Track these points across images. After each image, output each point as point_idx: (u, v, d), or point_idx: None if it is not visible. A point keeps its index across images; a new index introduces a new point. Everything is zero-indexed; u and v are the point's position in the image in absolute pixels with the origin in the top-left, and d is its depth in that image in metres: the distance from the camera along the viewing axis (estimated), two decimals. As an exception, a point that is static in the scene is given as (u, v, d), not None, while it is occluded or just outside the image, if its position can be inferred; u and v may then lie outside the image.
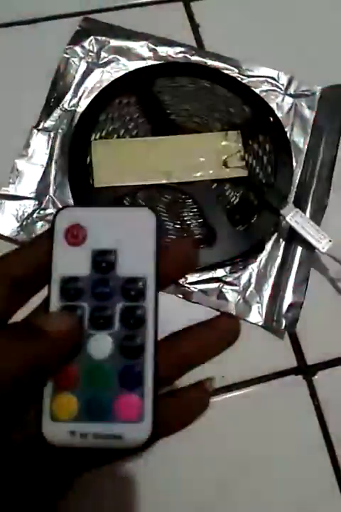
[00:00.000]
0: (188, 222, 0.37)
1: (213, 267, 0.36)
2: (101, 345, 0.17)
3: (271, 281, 0.36)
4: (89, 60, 0.43)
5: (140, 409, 0.17)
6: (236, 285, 0.36)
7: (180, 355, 0.18)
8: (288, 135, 0.41)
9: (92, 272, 0.18)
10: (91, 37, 0.43)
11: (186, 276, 0.35)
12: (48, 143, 0.39)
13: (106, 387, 0.17)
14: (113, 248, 0.18)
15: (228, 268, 0.36)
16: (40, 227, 0.36)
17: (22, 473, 0.17)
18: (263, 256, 0.37)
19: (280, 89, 0.43)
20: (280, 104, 0.42)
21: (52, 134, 0.40)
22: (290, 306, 0.35)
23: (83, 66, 0.42)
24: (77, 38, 0.43)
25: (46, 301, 0.18)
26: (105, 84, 0.41)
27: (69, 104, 0.41)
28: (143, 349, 0.17)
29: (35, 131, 0.40)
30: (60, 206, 0.37)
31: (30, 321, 0.18)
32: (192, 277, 0.36)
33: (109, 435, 0.17)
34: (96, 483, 0.30)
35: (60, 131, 0.40)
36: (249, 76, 0.43)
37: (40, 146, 0.39)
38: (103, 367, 0.17)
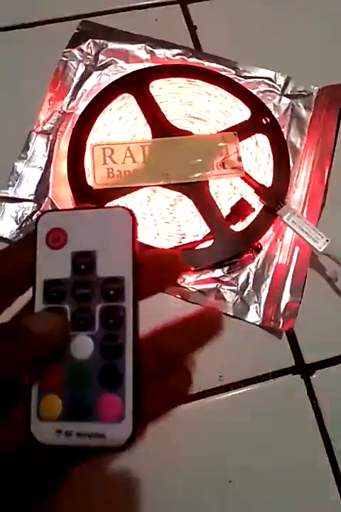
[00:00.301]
0: (186, 223, 0.37)
1: (211, 267, 0.36)
2: (82, 346, 0.18)
3: (268, 281, 0.36)
4: (87, 62, 0.43)
5: (120, 410, 0.17)
6: (234, 285, 0.36)
7: (164, 349, 0.19)
8: (284, 135, 0.41)
9: (73, 274, 0.18)
10: (90, 40, 0.44)
11: (183, 277, 0.36)
12: (47, 145, 0.40)
13: (88, 387, 0.17)
14: (92, 249, 0.18)
15: (226, 268, 0.37)
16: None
17: (11, 473, 0.18)
18: (260, 256, 0.37)
19: (277, 89, 0.43)
20: (277, 105, 0.42)
21: (50, 137, 0.40)
22: (288, 305, 0.35)
23: (81, 69, 0.43)
24: (76, 41, 0.44)
25: (31, 303, 0.19)
26: (103, 86, 0.41)
27: (67, 106, 0.41)
28: (123, 349, 0.18)
29: (34, 133, 0.40)
30: (58, 208, 0.37)
31: (14, 320, 0.19)
32: (190, 277, 0.36)
33: (91, 434, 0.17)
34: (92, 480, 0.30)
35: (58, 133, 0.40)
36: (245, 77, 0.43)
37: (39, 148, 0.40)
38: (85, 367, 0.18)
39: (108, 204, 0.37)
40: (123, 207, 0.19)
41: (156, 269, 0.19)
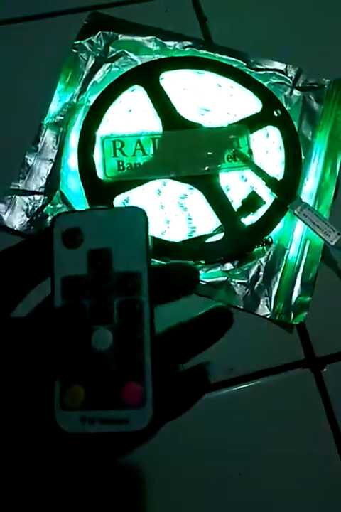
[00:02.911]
0: (197, 216, 0.37)
1: (221, 261, 0.36)
2: (102, 338, 0.19)
3: (279, 274, 0.36)
4: (98, 54, 0.43)
5: (141, 396, 0.18)
6: (244, 278, 0.36)
7: (178, 348, 0.20)
8: (296, 128, 0.40)
9: (90, 271, 0.19)
10: (100, 32, 0.44)
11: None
12: (57, 138, 0.40)
13: (109, 376, 0.18)
14: (107, 247, 0.19)
15: (236, 262, 0.36)
16: (50, 221, 0.37)
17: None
18: (271, 249, 0.37)
19: (289, 82, 0.42)
20: (289, 97, 0.42)
21: (61, 129, 0.40)
22: (299, 299, 0.35)
23: (91, 61, 0.43)
24: (86, 33, 0.43)
25: (51, 301, 0.19)
26: (113, 78, 0.41)
27: (77, 99, 0.41)
28: (141, 339, 0.19)
29: (44, 126, 0.40)
30: (69, 201, 0.38)
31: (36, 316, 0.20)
32: (200, 271, 0.36)
33: (114, 420, 0.18)
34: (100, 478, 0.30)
35: (68, 126, 0.40)
36: (257, 69, 0.43)
37: (49, 141, 0.40)
38: (106, 358, 0.19)
39: (118, 198, 0.37)
40: (135, 206, 0.20)
41: (174, 280, 0.20)
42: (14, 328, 0.18)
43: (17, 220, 0.37)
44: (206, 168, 0.38)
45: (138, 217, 0.20)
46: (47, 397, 0.18)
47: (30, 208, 0.37)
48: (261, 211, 0.37)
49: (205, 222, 0.37)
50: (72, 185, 0.38)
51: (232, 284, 0.36)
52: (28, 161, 0.39)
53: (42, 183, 0.38)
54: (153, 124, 0.40)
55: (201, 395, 0.20)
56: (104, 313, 0.19)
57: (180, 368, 0.20)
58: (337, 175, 0.39)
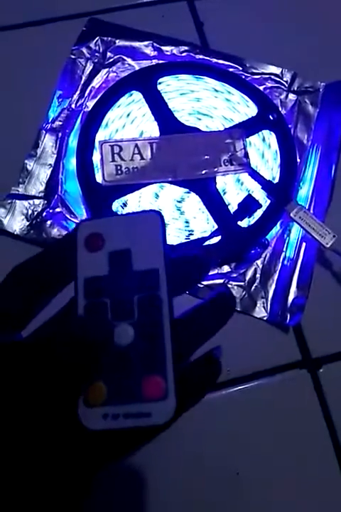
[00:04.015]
0: (194, 219, 0.38)
1: (218, 263, 0.37)
2: (124, 334, 0.19)
3: (275, 276, 0.37)
4: (96, 60, 0.43)
5: (163, 388, 0.18)
6: (241, 280, 0.36)
7: (186, 336, 0.20)
8: (291, 131, 0.41)
9: (111, 271, 0.20)
10: (97, 37, 0.44)
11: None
12: (56, 143, 0.40)
13: (131, 371, 0.19)
14: (127, 248, 0.20)
15: (233, 264, 0.37)
16: (49, 225, 0.37)
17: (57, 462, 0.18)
18: (267, 252, 0.37)
19: (284, 86, 0.43)
20: (284, 101, 0.42)
21: (60, 134, 0.40)
22: (295, 301, 0.36)
23: (89, 66, 0.43)
24: (84, 39, 0.44)
25: (74, 300, 0.20)
26: (111, 83, 0.42)
27: (76, 104, 0.42)
28: (161, 334, 0.19)
29: (43, 131, 0.40)
30: (68, 205, 0.38)
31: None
32: (197, 273, 0.36)
33: (138, 414, 0.18)
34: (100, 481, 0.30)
35: (67, 131, 0.41)
36: (252, 73, 0.43)
37: (48, 146, 0.40)
38: (127, 353, 0.19)
39: (116, 202, 0.37)
40: (151, 210, 0.21)
41: (184, 271, 0.21)
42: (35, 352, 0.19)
43: (17, 224, 0.37)
44: (203, 171, 0.39)
45: (154, 219, 0.21)
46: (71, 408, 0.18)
47: (29, 212, 0.38)
48: (258, 214, 0.38)
49: (202, 225, 0.38)
50: (71, 189, 0.39)
51: (229, 286, 0.36)
52: (28, 166, 0.39)
53: (41, 188, 0.39)
54: (151, 128, 0.40)
55: (214, 381, 0.20)
56: (125, 309, 0.19)
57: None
58: (332, 178, 0.39)
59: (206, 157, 0.39)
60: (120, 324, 0.19)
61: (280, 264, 0.37)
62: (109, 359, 0.19)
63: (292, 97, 0.43)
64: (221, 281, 0.36)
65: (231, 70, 0.43)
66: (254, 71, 0.43)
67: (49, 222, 0.37)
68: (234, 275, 0.37)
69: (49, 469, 0.18)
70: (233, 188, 0.39)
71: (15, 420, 0.18)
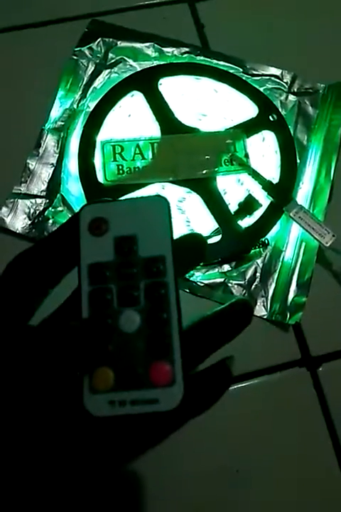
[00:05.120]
0: (194, 218, 0.38)
1: (219, 262, 0.37)
2: (130, 320, 0.19)
3: (275, 275, 0.37)
4: (97, 61, 0.44)
5: (171, 374, 0.18)
6: (241, 280, 0.37)
7: (201, 343, 0.20)
8: (291, 132, 0.41)
9: (116, 257, 0.20)
10: (99, 39, 0.44)
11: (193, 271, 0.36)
12: (58, 143, 0.40)
13: (138, 357, 0.18)
14: (133, 234, 0.20)
15: (233, 263, 0.37)
16: (51, 224, 0.38)
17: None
18: (267, 251, 0.38)
19: (284, 87, 0.43)
20: (284, 102, 0.43)
21: (61, 134, 0.41)
22: (295, 299, 0.36)
23: (91, 67, 0.43)
24: (85, 40, 0.44)
25: (78, 288, 0.19)
26: (113, 84, 0.42)
27: (78, 104, 0.42)
28: (168, 320, 0.19)
29: (45, 131, 0.41)
30: (69, 204, 0.38)
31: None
32: (198, 272, 0.37)
33: (145, 400, 0.18)
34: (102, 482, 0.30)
35: (69, 131, 0.41)
36: (253, 75, 0.44)
37: (50, 146, 0.40)
38: (134, 340, 0.19)
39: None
40: (158, 195, 0.21)
41: (185, 251, 0.21)
42: (38, 335, 0.19)
43: (19, 223, 0.38)
44: (203, 171, 0.39)
45: (160, 204, 0.20)
46: (73, 389, 0.18)
47: (31, 211, 0.38)
48: (258, 214, 0.38)
49: (203, 224, 0.38)
50: (73, 188, 0.39)
51: (229, 285, 0.37)
52: (30, 166, 0.40)
53: (43, 187, 0.39)
54: (152, 128, 0.41)
55: (225, 389, 0.20)
56: (131, 295, 0.19)
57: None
58: (332, 178, 0.40)
59: (206, 157, 0.39)
60: (126, 311, 0.19)
61: (280, 264, 0.37)
62: (115, 345, 0.19)
63: (292, 98, 0.43)
64: (221, 279, 0.37)
65: (231, 71, 0.43)
66: (254, 72, 0.44)
67: (51, 221, 0.38)
68: (235, 274, 0.37)
69: (53, 454, 0.18)
70: (233, 187, 0.39)
71: (18, 407, 0.18)
